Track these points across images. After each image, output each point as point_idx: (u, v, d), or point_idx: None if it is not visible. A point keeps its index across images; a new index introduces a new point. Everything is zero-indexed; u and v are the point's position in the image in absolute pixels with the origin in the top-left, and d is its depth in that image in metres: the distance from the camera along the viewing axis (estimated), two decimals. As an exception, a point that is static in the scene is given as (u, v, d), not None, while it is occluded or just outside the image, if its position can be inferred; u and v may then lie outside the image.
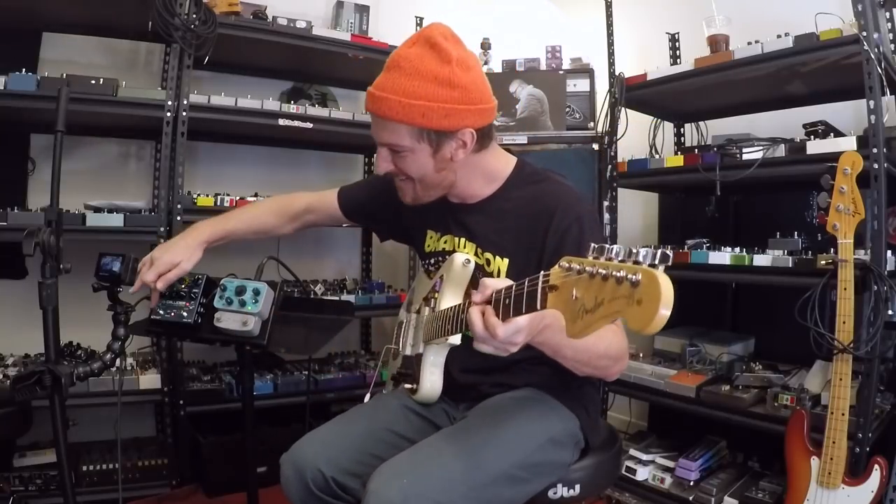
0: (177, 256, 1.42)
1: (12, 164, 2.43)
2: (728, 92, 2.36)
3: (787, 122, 2.32)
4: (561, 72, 2.76)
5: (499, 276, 1.29)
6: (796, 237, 2.05)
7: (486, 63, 2.83)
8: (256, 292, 1.41)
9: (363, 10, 2.90)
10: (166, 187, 2.31)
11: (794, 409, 1.89)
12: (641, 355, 2.53)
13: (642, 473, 2.29)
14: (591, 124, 2.70)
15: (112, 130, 2.61)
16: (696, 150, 2.33)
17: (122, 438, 2.42)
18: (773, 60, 2.03)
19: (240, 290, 1.42)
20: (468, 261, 1.24)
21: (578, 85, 2.76)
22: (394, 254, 3.28)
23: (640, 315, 0.62)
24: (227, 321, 1.41)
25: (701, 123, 2.74)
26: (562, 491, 1.27)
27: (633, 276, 0.63)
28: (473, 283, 1.21)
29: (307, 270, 2.93)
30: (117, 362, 1.44)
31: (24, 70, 2.06)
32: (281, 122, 2.49)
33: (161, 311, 1.44)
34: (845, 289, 1.71)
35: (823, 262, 1.83)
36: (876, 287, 1.76)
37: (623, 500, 2.28)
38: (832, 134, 1.99)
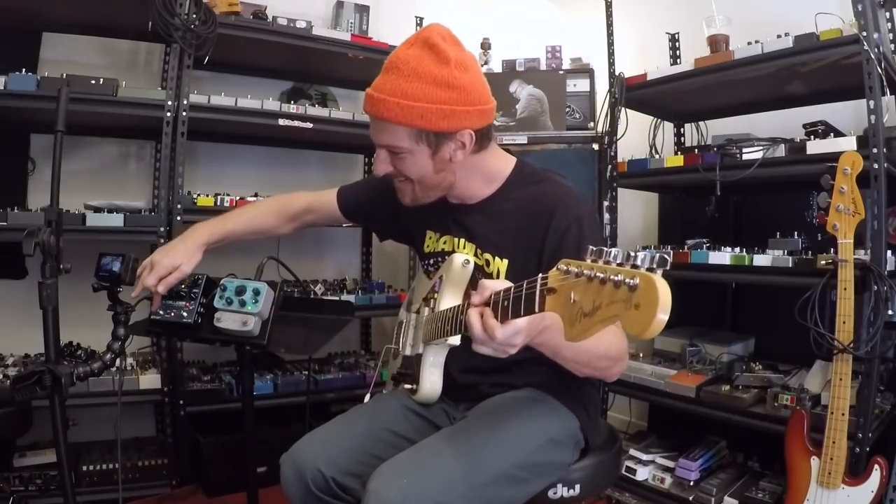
0: (177, 259, 1.42)
1: (12, 164, 2.43)
2: (728, 92, 2.36)
3: (787, 122, 2.32)
4: (561, 72, 2.76)
5: (498, 276, 1.29)
6: (796, 237, 2.05)
7: (485, 63, 2.83)
8: (256, 292, 1.41)
9: (363, 10, 2.90)
10: (166, 187, 2.31)
11: (794, 409, 1.89)
12: (641, 355, 2.53)
13: (642, 473, 2.29)
14: (591, 124, 2.70)
15: (112, 130, 2.61)
16: (696, 150, 2.33)
17: (122, 438, 2.42)
18: (773, 60, 2.03)
19: (240, 290, 1.42)
20: (467, 261, 1.24)
21: (578, 85, 2.75)
22: (394, 254, 3.28)
23: (637, 319, 0.62)
24: (227, 321, 1.41)
25: (701, 123, 2.74)
26: (562, 491, 1.27)
27: (631, 281, 0.63)
28: (473, 284, 1.21)
29: (307, 270, 2.93)
30: (117, 362, 1.44)
31: (24, 70, 2.06)
32: (281, 122, 2.50)
33: (161, 311, 1.44)
34: (845, 289, 1.71)
35: (823, 262, 1.83)
36: (876, 287, 1.76)
37: (623, 500, 2.28)
38: (832, 134, 1.99)
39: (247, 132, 2.72)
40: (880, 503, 1.72)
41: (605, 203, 2.57)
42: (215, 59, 2.36)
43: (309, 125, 2.55)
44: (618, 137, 2.53)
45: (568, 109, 2.73)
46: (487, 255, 1.32)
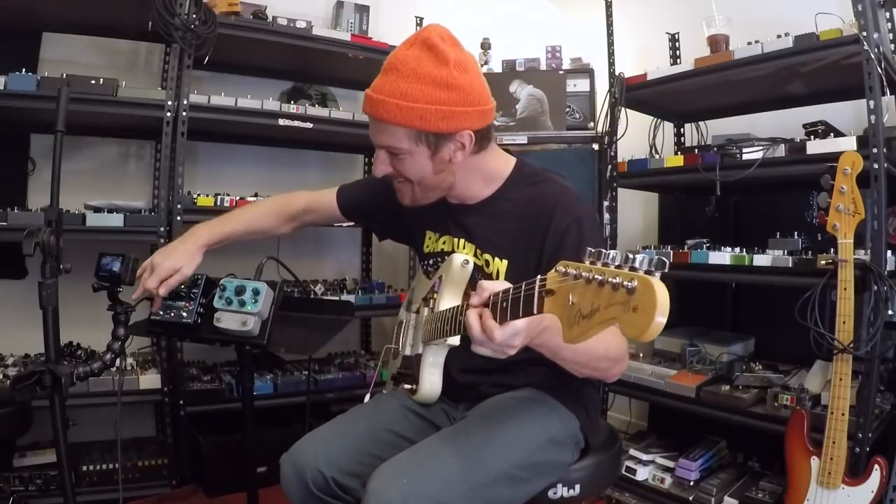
0: (177, 262, 1.42)
1: (12, 164, 2.43)
2: (728, 92, 2.36)
3: (787, 122, 2.32)
4: (561, 72, 2.76)
5: (498, 277, 1.29)
6: (796, 237, 2.05)
7: (485, 63, 2.83)
8: (256, 292, 1.41)
9: (363, 10, 2.90)
10: (166, 187, 2.31)
11: (794, 409, 1.89)
12: (641, 355, 2.53)
13: (642, 473, 2.29)
14: (591, 124, 2.70)
15: (112, 130, 2.61)
16: (696, 150, 2.33)
17: (122, 438, 2.42)
18: (773, 60, 2.03)
19: (239, 290, 1.42)
20: (467, 261, 1.24)
21: (578, 85, 2.75)
22: (394, 254, 3.28)
23: (635, 322, 0.62)
24: (227, 321, 1.41)
25: (701, 123, 2.74)
26: (562, 491, 1.28)
27: (629, 283, 0.63)
28: (472, 284, 1.21)
29: (307, 270, 2.93)
30: (117, 362, 1.43)
31: (24, 70, 2.06)
32: (281, 122, 2.50)
33: (161, 312, 1.44)
34: (845, 289, 1.71)
35: (823, 262, 1.83)
36: (876, 287, 1.76)
37: (623, 500, 2.28)
38: (832, 134, 1.99)
39: (247, 132, 2.72)
40: (880, 503, 1.72)
41: (605, 203, 2.57)
42: (215, 59, 2.36)
43: (309, 125, 2.55)
44: (618, 137, 2.53)
45: (568, 109, 2.73)
46: (487, 256, 1.32)
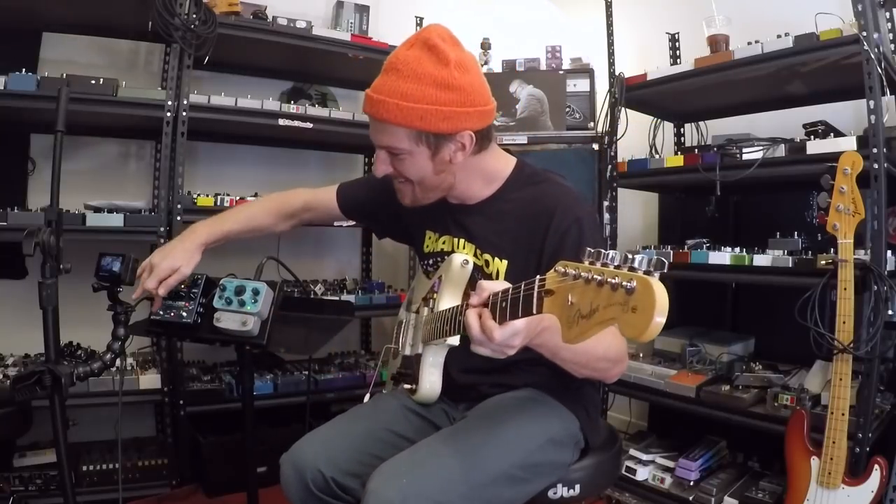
0: (176, 261, 1.42)
1: (12, 164, 2.43)
2: (728, 92, 2.36)
3: (787, 122, 2.32)
4: (561, 72, 2.76)
5: (497, 277, 1.29)
6: (796, 237, 2.05)
7: (485, 63, 2.83)
8: (256, 292, 1.41)
9: (363, 10, 2.90)
10: (166, 187, 2.31)
11: (794, 409, 1.89)
12: (641, 355, 2.53)
13: (642, 473, 2.29)
14: (591, 124, 2.70)
15: (112, 130, 2.61)
16: (696, 150, 2.33)
17: (122, 438, 2.42)
18: (773, 60, 2.03)
19: (239, 290, 1.42)
20: (466, 261, 1.24)
21: (578, 85, 2.75)
22: (394, 254, 3.28)
23: (634, 322, 0.62)
24: (227, 321, 1.41)
25: (701, 123, 2.74)
26: (562, 491, 1.28)
27: (628, 284, 0.63)
28: (472, 284, 1.21)
29: (307, 270, 2.93)
30: (117, 362, 1.43)
31: (24, 70, 2.06)
32: (281, 122, 2.50)
33: (161, 312, 1.44)
34: (845, 289, 1.71)
35: (823, 262, 1.83)
36: (876, 287, 1.76)
37: (623, 500, 2.28)
38: (832, 134, 1.99)
39: (247, 132, 2.72)
40: (880, 503, 1.72)
41: (605, 203, 2.57)
42: (215, 59, 2.36)
43: (309, 125, 2.55)
44: (618, 137, 2.53)
45: (568, 109, 2.73)
46: (487, 256, 1.32)
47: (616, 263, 0.68)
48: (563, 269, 0.75)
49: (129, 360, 2.35)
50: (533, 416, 1.27)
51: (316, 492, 1.22)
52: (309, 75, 3.05)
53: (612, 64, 2.68)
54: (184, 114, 2.30)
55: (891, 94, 1.97)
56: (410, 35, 1.24)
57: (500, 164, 1.36)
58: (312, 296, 2.51)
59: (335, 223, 2.41)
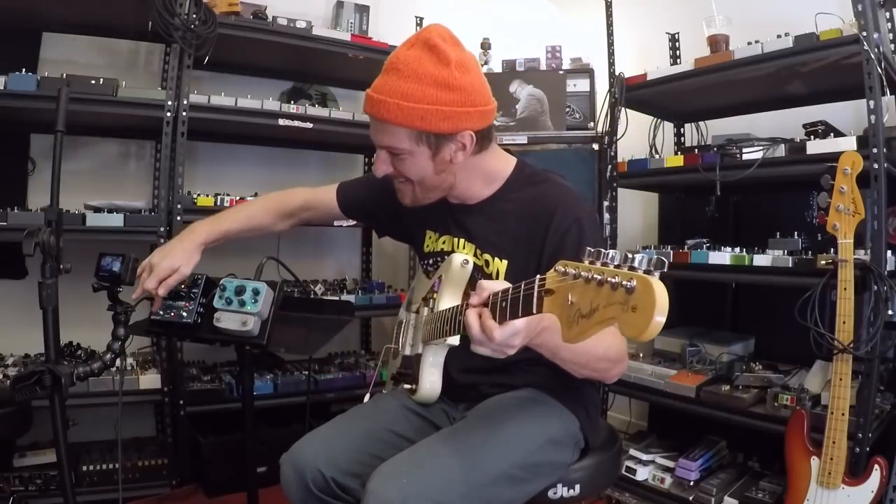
0: (176, 261, 1.42)
1: (12, 164, 2.43)
2: (728, 92, 2.36)
3: (787, 122, 2.32)
4: (561, 72, 2.76)
5: (497, 277, 1.29)
6: (796, 237, 2.05)
7: (485, 63, 2.83)
8: (256, 292, 1.41)
9: (363, 10, 2.90)
10: (166, 187, 2.31)
11: (794, 409, 1.89)
12: (641, 355, 2.53)
13: (642, 473, 2.29)
14: (591, 124, 2.70)
15: (112, 130, 2.61)
16: (696, 150, 2.33)
17: (122, 438, 2.42)
18: (773, 60, 2.03)
19: (239, 290, 1.42)
20: (466, 261, 1.24)
21: (578, 85, 2.75)
22: (394, 254, 3.28)
23: (634, 322, 0.62)
24: (227, 321, 1.41)
25: (701, 123, 2.74)
26: (562, 491, 1.28)
27: (629, 283, 0.63)
28: (472, 284, 1.21)
29: (307, 270, 2.93)
30: (117, 362, 1.44)
31: (24, 70, 2.06)
32: (281, 122, 2.50)
33: (161, 312, 1.44)
34: (845, 289, 1.71)
35: (823, 262, 1.83)
36: (876, 287, 1.76)
37: (623, 500, 2.28)
38: (832, 134, 1.99)
39: (247, 132, 2.72)
40: (880, 503, 1.72)
41: (605, 203, 2.57)
42: (215, 59, 2.36)
43: (309, 125, 2.55)
44: (618, 137, 2.53)
45: (568, 109, 2.73)
46: (487, 256, 1.32)
47: (616, 263, 0.68)
48: (563, 269, 0.75)
49: (129, 360, 2.35)
50: (533, 416, 1.27)
51: (316, 492, 1.22)
52: (309, 75, 3.05)
53: (612, 64, 2.68)
54: (184, 114, 2.30)
55: (891, 94, 1.97)
56: (411, 35, 1.24)
57: (501, 164, 1.36)
58: (312, 296, 2.51)
59: (335, 223, 2.41)
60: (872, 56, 1.79)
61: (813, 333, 1.78)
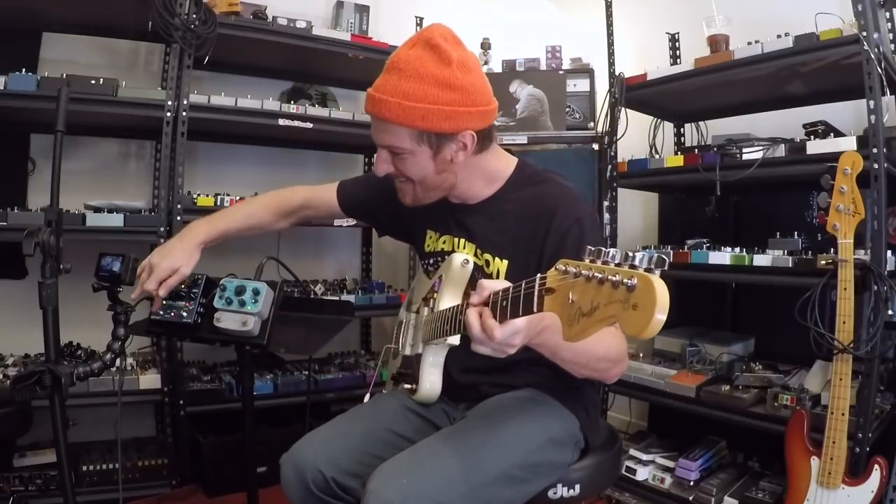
0: (176, 261, 1.41)
1: (12, 164, 2.43)
2: (728, 92, 2.36)
3: (787, 122, 2.32)
4: (561, 72, 2.76)
5: (498, 277, 1.29)
6: (796, 237, 2.05)
7: (486, 63, 2.83)
8: (256, 292, 1.41)
9: (363, 10, 2.90)
10: (166, 187, 2.31)
11: (794, 409, 1.89)
12: (641, 355, 2.53)
13: (642, 473, 2.29)
14: (591, 124, 2.70)
15: (112, 130, 2.61)
16: (696, 150, 2.33)
17: (122, 438, 2.42)
18: (773, 60, 2.03)
19: (239, 290, 1.42)
20: (467, 261, 1.24)
21: (578, 85, 2.76)
22: (394, 254, 3.28)
23: (635, 320, 0.62)
24: (227, 321, 1.41)
25: (701, 123, 2.74)
26: (562, 491, 1.28)
27: (629, 281, 0.63)
28: (472, 284, 1.20)
29: (307, 270, 2.93)
30: (117, 362, 1.44)
31: (24, 70, 2.06)
32: (281, 122, 2.50)
33: (161, 312, 1.44)
34: (845, 289, 1.71)
35: (823, 262, 1.83)
36: (876, 287, 1.76)
37: (623, 500, 2.28)
38: (832, 134, 1.99)
39: (247, 132, 2.72)
40: (880, 503, 1.72)
41: (605, 203, 2.57)
42: (215, 59, 2.36)
43: (309, 125, 2.55)
44: (618, 137, 2.53)
45: (568, 109, 2.73)
46: (487, 256, 1.32)
47: (617, 261, 0.68)
48: (563, 268, 0.75)
49: (129, 360, 2.35)
50: (533, 416, 1.27)
51: (316, 492, 1.22)
52: (309, 75, 3.05)
53: (612, 64, 2.68)
54: (184, 114, 2.30)
55: (891, 94, 1.97)
56: (412, 35, 1.24)
57: (502, 164, 1.36)
58: (312, 296, 2.51)
59: (335, 222, 2.42)
60: (872, 56, 1.79)
61: (813, 333, 1.78)
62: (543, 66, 2.80)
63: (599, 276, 0.67)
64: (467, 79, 1.19)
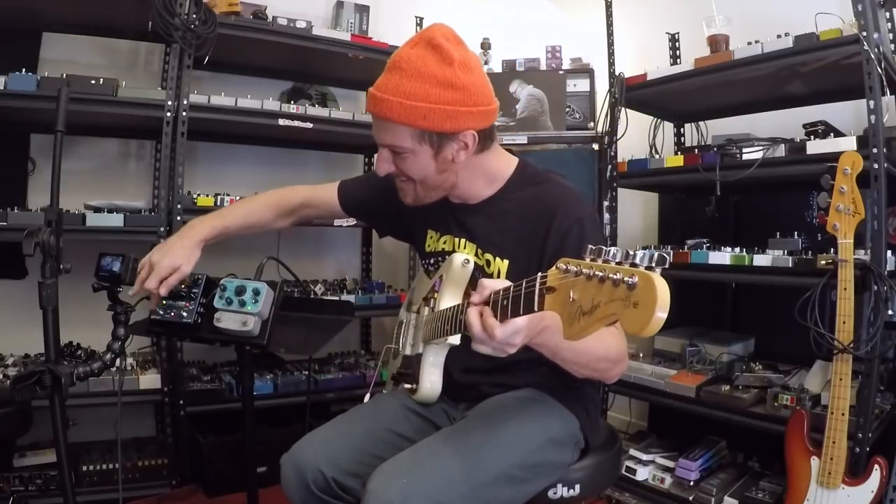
0: (177, 260, 1.40)
1: (12, 164, 2.43)
2: (728, 92, 2.36)
3: (787, 122, 2.32)
4: (561, 72, 2.76)
5: (499, 277, 1.29)
6: (796, 237, 2.05)
7: (486, 63, 2.83)
8: (256, 292, 1.41)
9: (363, 10, 2.90)
10: (166, 187, 2.31)
11: (794, 409, 1.89)
12: (641, 355, 2.53)
13: (642, 473, 2.29)
14: (591, 124, 2.71)
15: (112, 130, 2.61)
16: (696, 150, 2.33)
17: (122, 438, 2.42)
18: (773, 60, 2.03)
19: (240, 290, 1.41)
20: (467, 261, 1.24)
21: (578, 85, 2.76)
22: (394, 254, 3.28)
23: (636, 318, 0.62)
24: (227, 321, 1.40)
25: (701, 123, 2.74)
26: (562, 491, 1.28)
27: (630, 279, 0.63)
28: (473, 284, 1.20)
29: (307, 270, 2.93)
30: (117, 362, 1.44)
31: (24, 70, 2.06)
32: (281, 122, 2.50)
33: (161, 311, 1.44)
34: (845, 289, 1.71)
35: (823, 262, 1.83)
36: (876, 287, 1.76)
37: (623, 500, 2.28)
38: (832, 134, 2.00)
39: (247, 132, 2.72)
40: (880, 503, 1.72)
41: (605, 203, 2.57)
42: (215, 59, 2.36)
43: (309, 125, 2.55)
44: (618, 137, 2.53)
45: (568, 109, 2.73)
46: (488, 256, 1.32)
47: (617, 260, 0.68)
48: (564, 266, 0.75)
49: (129, 360, 2.35)
50: (533, 416, 1.27)
51: (316, 492, 1.22)
52: (309, 75, 3.05)
53: (612, 64, 2.68)
54: (184, 114, 2.29)
55: (891, 94, 1.97)
56: (412, 34, 1.24)
57: (502, 164, 1.36)
58: (312, 296, 2.51)
59: (335, 222, 2.42)
60: (872, 56, 1.79)
61: (813, 333, 1.78)
62: (543, 66, 2.80)
63: (600, 274, 0.67)
64: (469, 78, 1.19)
